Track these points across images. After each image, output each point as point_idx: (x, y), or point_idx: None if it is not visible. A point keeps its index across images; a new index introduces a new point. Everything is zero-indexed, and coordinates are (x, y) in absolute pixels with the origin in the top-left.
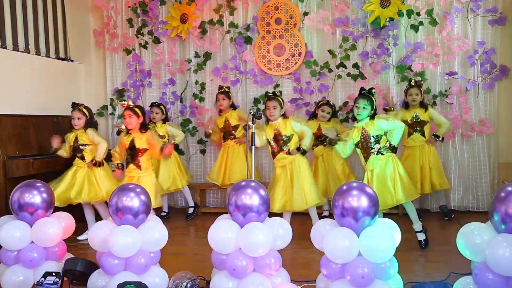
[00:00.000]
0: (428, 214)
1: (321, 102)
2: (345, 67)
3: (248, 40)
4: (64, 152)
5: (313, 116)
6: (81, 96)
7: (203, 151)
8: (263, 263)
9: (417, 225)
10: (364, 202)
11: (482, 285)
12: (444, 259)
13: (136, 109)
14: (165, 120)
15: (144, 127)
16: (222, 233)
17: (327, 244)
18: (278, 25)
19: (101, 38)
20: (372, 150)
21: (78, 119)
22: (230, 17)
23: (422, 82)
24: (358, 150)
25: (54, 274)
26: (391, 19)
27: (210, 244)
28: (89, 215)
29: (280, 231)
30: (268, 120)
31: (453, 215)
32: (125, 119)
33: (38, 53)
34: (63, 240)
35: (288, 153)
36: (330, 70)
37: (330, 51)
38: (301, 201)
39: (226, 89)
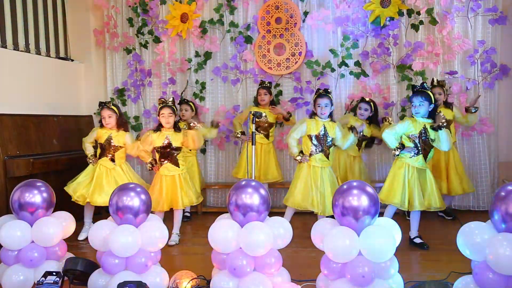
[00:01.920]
0: (428, 213)
1: (359, 100)
2: (347, 65)
3: (249, 40)
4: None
5: (354, 114)
6: (81, 96)
7: (203, 151)
8: (264, 262)
9: (414, 232)
10: (364, 201)
11: (482, 284)
12: (444, 258)
13: (174, 107)
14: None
15: (176, 126)
16: (223, 232)
17: (328, 243)
18: (278, 24)
19: (102, 38)
20: (424, 152)
21: (109, 117)
22: (230, 17)
23: (445, 81)
24: (407, 140)
25: (54, 273)
26: (391, 18)
27: (210, 244)
28: (88, 213)
29: (280, 231)
30: (313, 115)
31: (455, 216)
32: (164, 117)
33: (38, 52)
34: (64, 239)
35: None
36: (333, 70)
37: (331, 50)
38: (329, 206)
39: (268, 84)
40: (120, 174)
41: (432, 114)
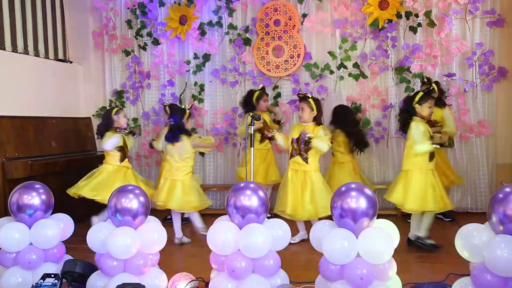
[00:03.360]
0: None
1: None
2: (345, 67)
3: (247, 42)
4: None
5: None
6: (80, 98)
7: (202, 153)
8: (262, 264)
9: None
10: (362, 203)
11: (481, 286)
12: (443, 260)
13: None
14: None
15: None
16: (221, 234)
17: (326, 245)
18: (277, 26)
19: (100, 40)
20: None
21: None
22: (229, 19)
23: (431, 79)
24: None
25: (53, 275)
26: (390, 21)
27: (209, 246)
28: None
29: (279, 232)
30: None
31: (453, 218)
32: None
33: (37, 54)
34: (62, 241)
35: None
36: (332, 72)
37: (330, 53)
38: (312, 210)
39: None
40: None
41: None
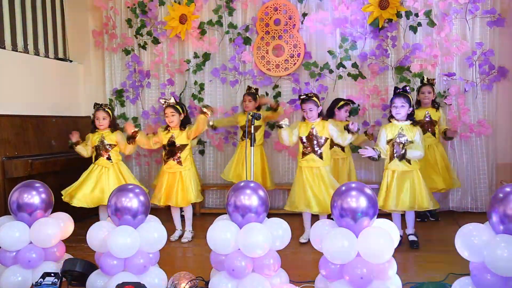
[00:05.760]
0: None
1: (341, 103)
2: (345, 67)
3: (247, 41)
4: (83, 151)
5: (329, 117)
6: (80, 97)
7: (202, 152)
8: (262, 263)
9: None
10: (363, 202)
11: (480, 286)
12: (443, 260)
13: (178, 107)
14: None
15: (184, 125)
16: (221, 233)
17: (326, 244)
18: (277, 26)
19: (100, 39)
20: (402, 152)
21: (104, 119)
22: (229, 18)
23: (434, 80)
24: (387, 147)
25: (52, 274)
26: (390, 20)
27: (209, 245)
28: (104, 215)
29: (279, 232)
30: (303, 118)
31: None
32: (167, 117)
33: (37, 53)
34: (62, 240)
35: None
36: (331, 71)
37: (330, 52)
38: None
39: (254, 91)
40: (114, 177)
41: (409, 117)
